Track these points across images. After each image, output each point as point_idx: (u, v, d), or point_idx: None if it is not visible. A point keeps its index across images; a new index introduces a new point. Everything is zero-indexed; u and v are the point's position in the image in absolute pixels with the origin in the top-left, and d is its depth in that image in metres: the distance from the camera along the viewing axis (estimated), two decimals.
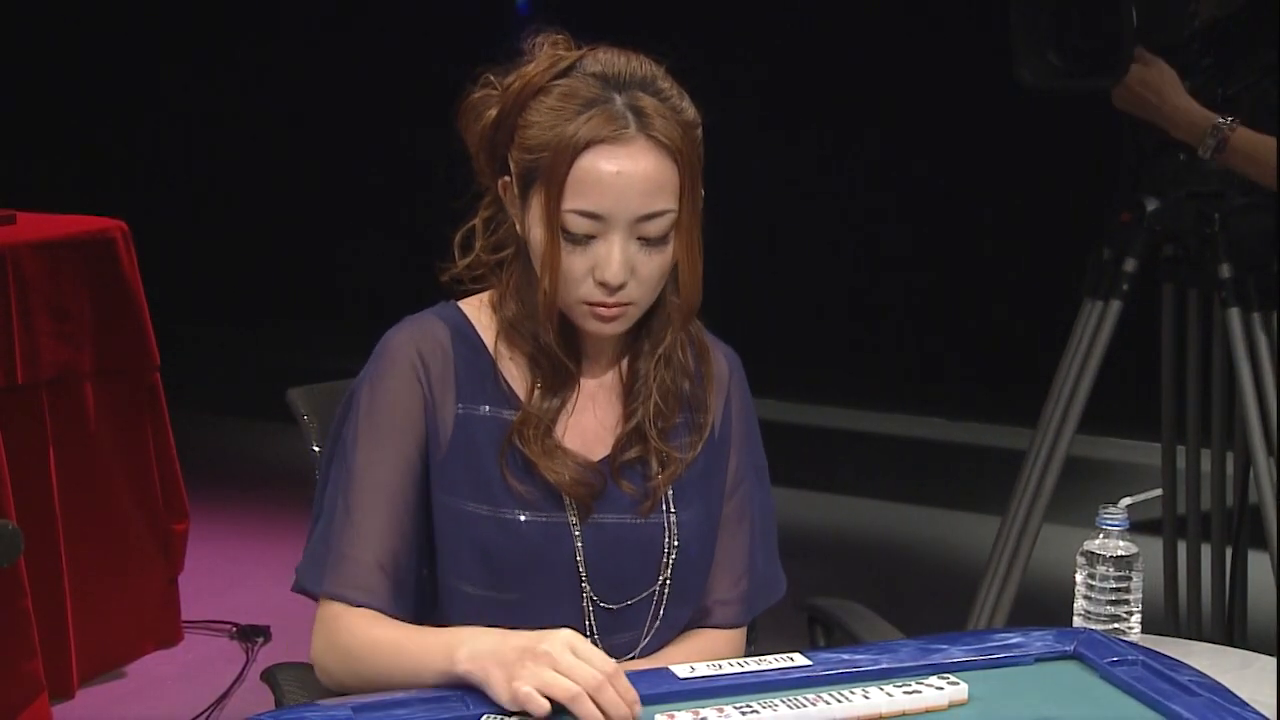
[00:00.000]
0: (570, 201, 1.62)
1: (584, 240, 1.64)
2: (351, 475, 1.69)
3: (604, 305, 1.66)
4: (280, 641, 3.67)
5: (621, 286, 1.64)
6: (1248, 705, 1.49)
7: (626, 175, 1.61)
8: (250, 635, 3.71)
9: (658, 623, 1.76)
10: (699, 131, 1.69)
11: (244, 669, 3.56)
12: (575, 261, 1.64)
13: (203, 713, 3.36)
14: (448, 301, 1.79)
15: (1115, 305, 2.94)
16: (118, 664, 3.52)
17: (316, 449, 1.92)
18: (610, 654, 1.56)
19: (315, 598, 1.70)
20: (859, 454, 5.58)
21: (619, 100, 1.63)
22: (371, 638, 1.63)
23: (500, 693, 1.44)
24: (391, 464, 1.69)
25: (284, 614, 3.78)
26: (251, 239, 6.93)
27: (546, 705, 1.42)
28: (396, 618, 1.67)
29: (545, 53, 1.68)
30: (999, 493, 3.23)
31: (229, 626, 3.76)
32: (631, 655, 1.75)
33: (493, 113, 1.69)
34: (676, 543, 1.75)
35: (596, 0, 3.62)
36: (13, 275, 3.17)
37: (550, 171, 1.62)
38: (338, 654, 1.65)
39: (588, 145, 1.61)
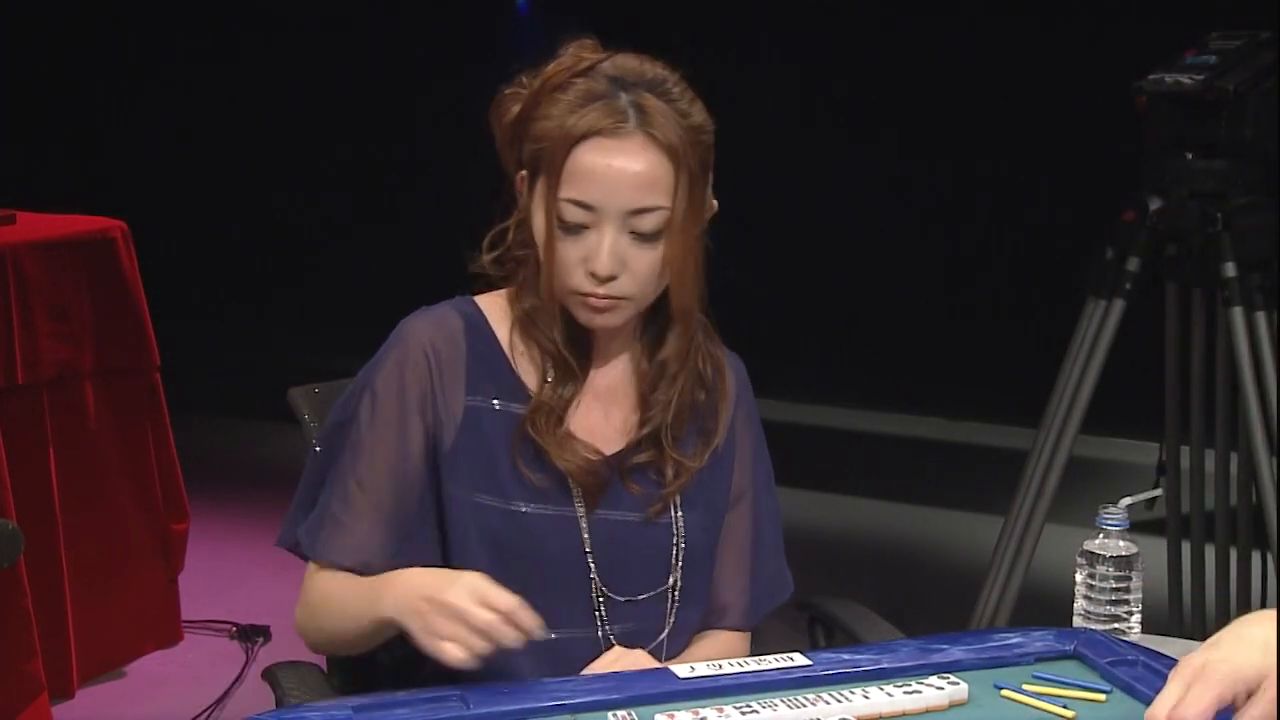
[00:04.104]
0: (565, 190, 1.67)
1: (577, 230, 1.68)
2: (357, 452, 1.74)
3: (595, 296, 1.69)
4: (280, 641, 3.66)
5: (612, 278, 1.68)
6: None
7: (618, 169, 1.66)
8: (250, 635, 3.70)
9: (673, 619, 1.78)
10: (706, 136, 1.72)
11: (244, 669, 3.56)
12: (569, 251, 1.69)
13: (203, 713, 3.36)
14: (464, 295, 1.81)
15: (1118, 304, 2.94)
16: (118, 664, 3.51)
17: (319, 449, 1.91)
18: (625, 646, 1.68)
19: (304, 560, 1.80)
20: (859, 454, 5.57)
21: (624, 97, 1.67)
22: (323, 591, 1.75)
23: (424, 647, 1.56)
24: (395, 447, 1.73)
25: (284, 614, 3.74)
26: (251, 238, 6.93)
27: (463, 657, 1.52)
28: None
29: (570, 53, 1.73)
30: (1000, 493, 3.23)
31: (229, 626, 3.75)
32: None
33: (516, 108, 1.73)
34: (684, 544, 1.78)
35: (597, 1, 3.62)
36: (13, 275, 3.17)
37: (550, 160, 1.67)
38: (305, 611, 1.79)
39: (584, 136, 1.66)
